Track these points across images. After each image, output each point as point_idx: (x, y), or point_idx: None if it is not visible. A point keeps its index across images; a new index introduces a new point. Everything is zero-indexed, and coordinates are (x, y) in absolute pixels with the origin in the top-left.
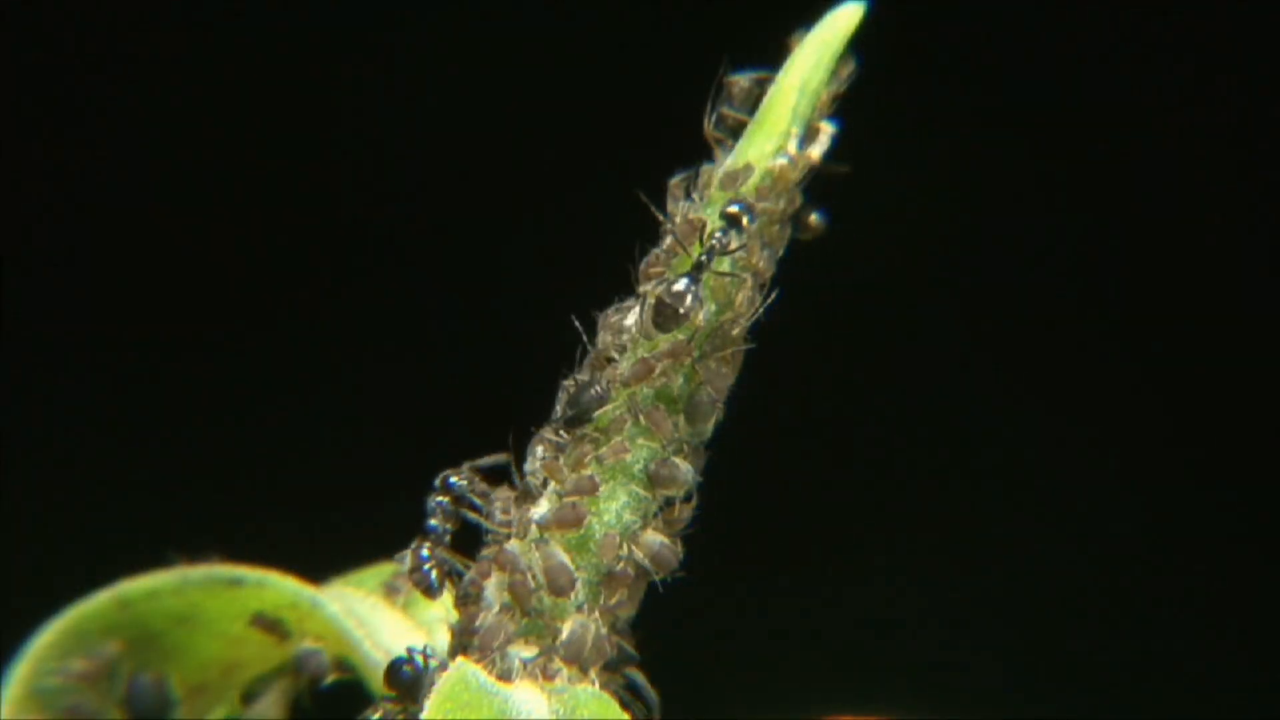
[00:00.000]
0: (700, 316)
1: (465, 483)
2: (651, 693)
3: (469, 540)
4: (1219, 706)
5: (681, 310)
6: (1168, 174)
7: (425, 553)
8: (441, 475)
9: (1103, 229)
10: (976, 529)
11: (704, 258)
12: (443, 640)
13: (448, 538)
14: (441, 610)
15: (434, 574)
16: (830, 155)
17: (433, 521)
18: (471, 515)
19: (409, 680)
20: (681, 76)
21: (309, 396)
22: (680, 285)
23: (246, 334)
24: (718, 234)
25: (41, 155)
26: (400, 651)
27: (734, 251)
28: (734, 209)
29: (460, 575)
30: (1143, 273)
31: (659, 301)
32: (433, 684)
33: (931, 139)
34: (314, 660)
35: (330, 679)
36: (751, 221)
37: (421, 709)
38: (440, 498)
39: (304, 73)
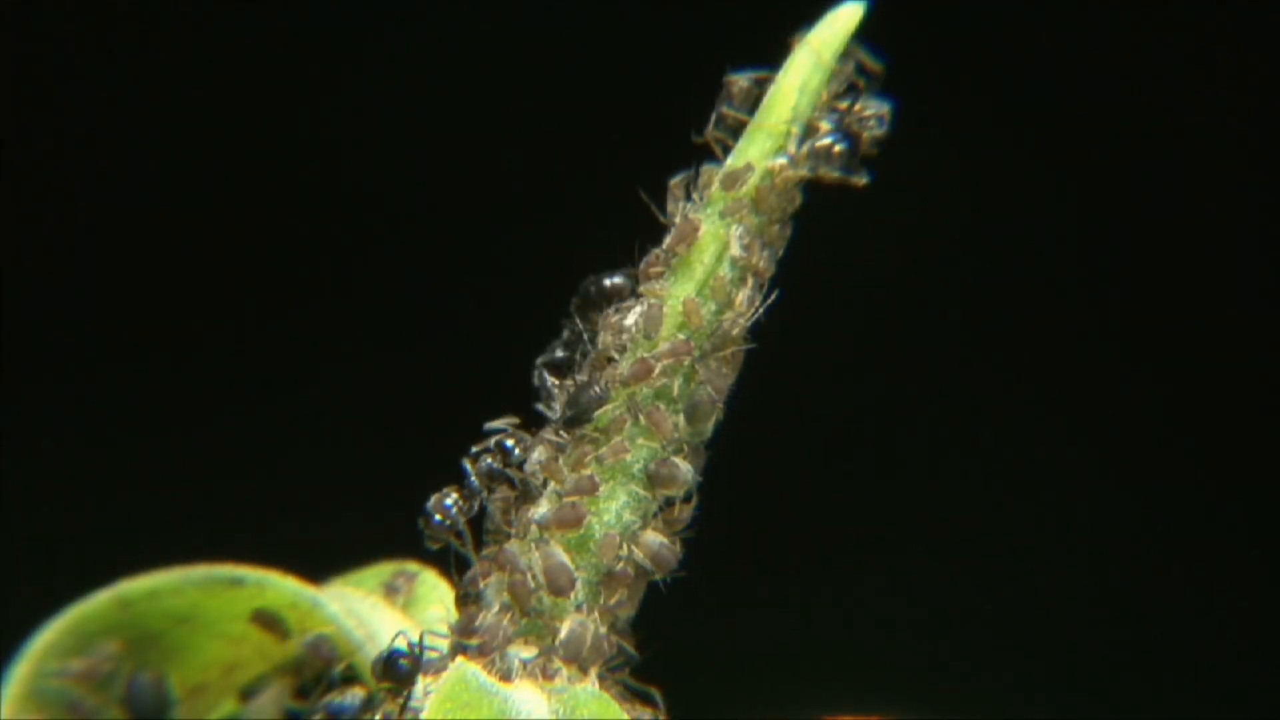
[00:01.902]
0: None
1: (520, 451)
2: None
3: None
4: (1219, 706)
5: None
6: (1168, 174)
7: (450, 503)
8: (497, 438)
9: (1103, 229)
10: (976, 529)
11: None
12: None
13: (478, 500)
14: (442, 610)
15: (446, 525)
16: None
17: (474, 479)
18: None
19: (405, 673)
20: (681, 76)
21: (309, 396)
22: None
23: (246, 334)
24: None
25: (42, 155)
26: (398, 644)
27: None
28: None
29: (463, 536)
30: (1143, 273)
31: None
32: (423, 675)
33: (931, 139)
34: (325, 646)
35: (340, 668)
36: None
37: (415, 699)
38: (491, 459)
39: (303, 72)
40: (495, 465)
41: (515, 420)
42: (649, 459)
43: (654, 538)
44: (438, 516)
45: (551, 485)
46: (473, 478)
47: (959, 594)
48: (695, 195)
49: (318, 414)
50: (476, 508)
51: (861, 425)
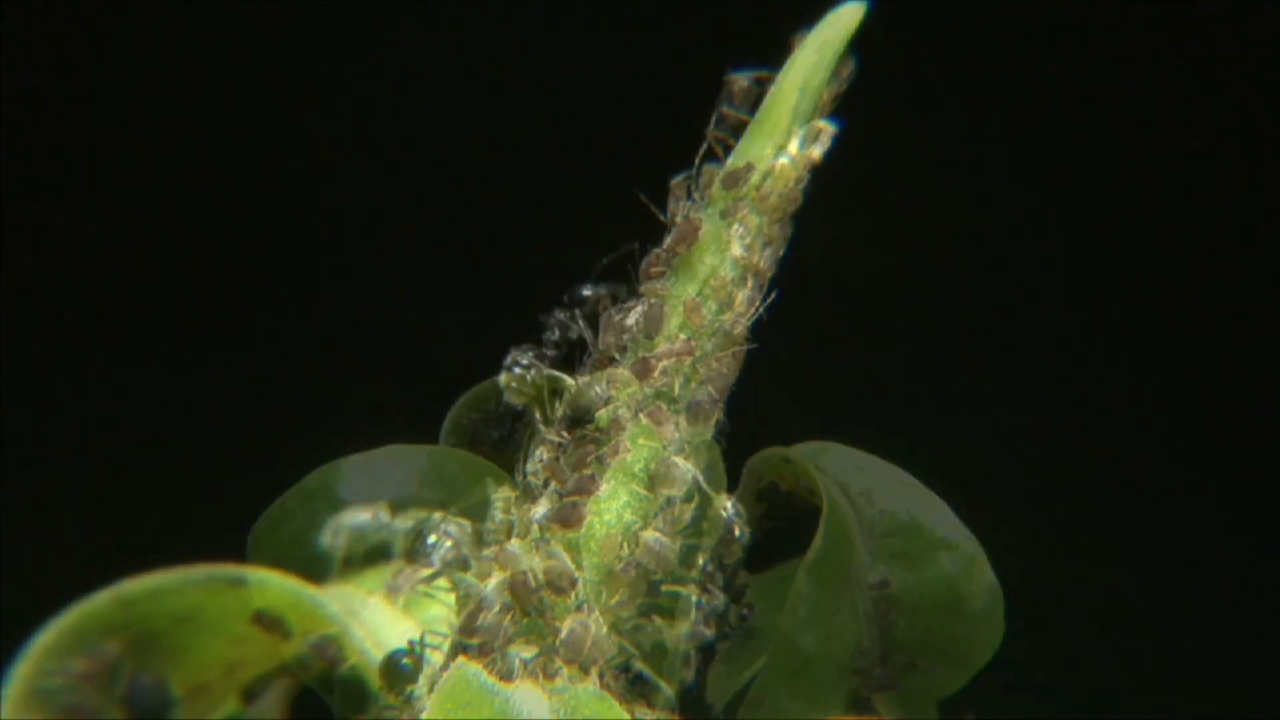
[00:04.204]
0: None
1: (594, 297)
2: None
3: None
4: (1218, 706)
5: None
6: (1168, 174)
7: (525, 360)
8: (572, 290)
9: (1102, 229)
10: (977, 528)
11: None
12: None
13: (553, 352)
14: (442, 610)
15: (529, 376)
16: (830, 154)
17: (549, 334)
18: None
19: (407, 672)
20: (681, 76)
21: (309, 396)
22: None
23: (246, 333)
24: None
25: (41, 155)
26: (401, 645)
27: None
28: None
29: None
30: (1142, 271)
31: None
32: (428, 675)
33: (931, 139)
34: (331, 647)
35: (345, 668)
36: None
37: (418, 699)
38: (563, 312)
39: (299, 71)
40: (566, 317)
41: (603, 291)
42: (649, 459)
43: (654, 537)
44: (516, 369)
45: (552, 485)
46: (547, 332)
47: None
48: (696, 195)
49: (318, 413)
50: (551, 356)
51: (861, 424)
